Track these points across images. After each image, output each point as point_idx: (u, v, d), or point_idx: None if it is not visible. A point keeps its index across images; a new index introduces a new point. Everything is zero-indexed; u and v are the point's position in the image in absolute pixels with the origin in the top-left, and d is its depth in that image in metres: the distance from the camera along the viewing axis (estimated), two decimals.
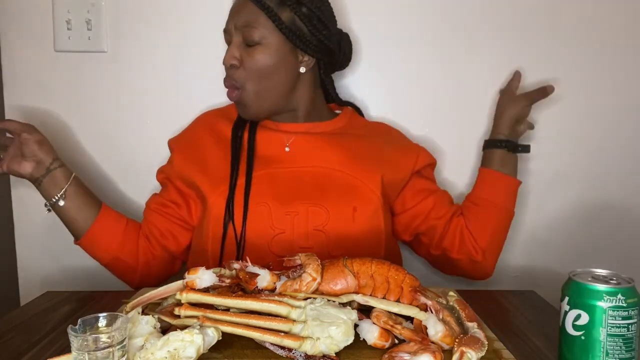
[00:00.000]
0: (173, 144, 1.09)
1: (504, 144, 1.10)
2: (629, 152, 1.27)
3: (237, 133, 1.05)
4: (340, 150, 1.03)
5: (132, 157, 1.25)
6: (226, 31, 1.00)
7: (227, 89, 1.00)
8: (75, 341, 0.55)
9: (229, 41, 1.00)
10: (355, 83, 1.26)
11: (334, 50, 1.05)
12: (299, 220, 0.95)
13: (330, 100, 1.14)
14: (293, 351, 0.63)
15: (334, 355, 0.63)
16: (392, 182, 1.03)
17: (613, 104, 1.26)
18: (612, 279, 0.63)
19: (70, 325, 0.57)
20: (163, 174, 1.07)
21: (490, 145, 1.12)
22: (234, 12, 1.00)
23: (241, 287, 0.72)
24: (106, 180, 1.26)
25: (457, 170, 1.26)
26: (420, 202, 1.06)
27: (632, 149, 1.27)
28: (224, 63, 0.98)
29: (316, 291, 0.70)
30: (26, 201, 1.26)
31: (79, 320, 0.58)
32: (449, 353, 0.63)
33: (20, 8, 1.22)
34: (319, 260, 0.72)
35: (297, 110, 1.05)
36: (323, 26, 1.02)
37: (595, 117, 1.26)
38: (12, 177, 1.26)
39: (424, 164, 1.08)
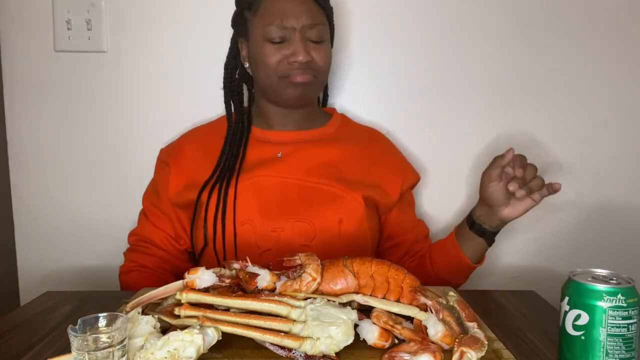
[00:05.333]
0: (167, 159, 1.08)
1: (476, 230, 0.95)
2: (629, 152, 1.27)
3: (228, 146, 1.05)
4: (328, 165, 1.03)
5: (131, 156, 1.25)
6: (284, 27, 0.97)
7: (295, 75, 0.98)
8: (75, 341, 0.55)
9: (283, 37, 0.98)
10: (350, 87, 1.26)
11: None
12: (285, 236, 0.96)
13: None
14: (293, 351, 0.63)
15: (334, 355, 0.63)
16: (379, 203, 1.04)
17: (613, 104, 1.26)
18: (612, 279, 0.63)
19: (70, 325, 0.56)
20: (155, 206, 1.08)
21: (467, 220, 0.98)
22: (298, 11, 0.98)
23: (241, 287, 0.72)
24: (105, 180, 1.26)
25: (455, 179, 1.27)
26: (401, 233, 1.08)
27: (633, 149, 1.27)
28: (297, 60, 0.97)
29: (316, 291, 0.70)
30: (26, 201, 1.27)
31: (79, 320, 0.58)
32: (449, 353, 0.63)
33: (20, 8, 1.22)
34: (319, 260, 0.72)
35: (301, 110, 1.06)
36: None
37: (595, 116, 1.26)
38: (12, 177, 1.26)
39: (409, 184, 1.09)
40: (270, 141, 1.05)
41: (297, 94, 1.01)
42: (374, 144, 1.10)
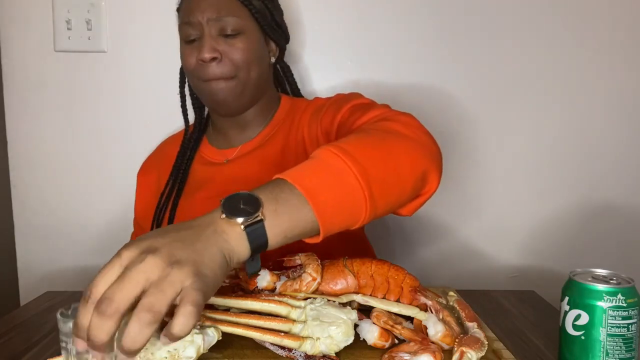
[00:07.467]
0: (138, 174, 1.11)
1: None
2: (629, 152, 1.27)
3: (175, 172, 1.03)
4: (270, 173, 0.96)
5: (131, 156, 1.25)
6: (191, 24, 0.91)
7: (210, 80, 0.92)
8: (64, 327, 0.52)
9: (196, 35, 0.92)
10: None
11: (289, 37, 1.05)
12: None
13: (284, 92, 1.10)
14: (293, 351, 0.63)
15: (334, 355, 0.63)
16: None
17: (613, 104, 1.26)
18: (612, 279, 0.63)
19: (60, 310, 0.53)
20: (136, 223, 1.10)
21: None
22: (204, 5, 0.91)
23: (241, 287, 0.72)
24: (105, 180, 1.26)
25: (452, 179, 1.27)
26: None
27: (632, 149, 1.27)
28: (202, 58, 0.90)
29: (316, 291, 0.70)
30: (26, 201, 1.27)
31: (72, 305, 0.53)
32: (449, 353, 0.63)
33: (20, 8, 1.22)
34: (319, 260, 0.72)
35: (253, 109, 0.99)
36: (280, 12, 1.02)
37: (595, 116, 1.26)
38: (12, 177, 1.26)
39: (320, 103, 0.97)
40: (218, 162, 1.01)
41: (217, 102, 0.94)
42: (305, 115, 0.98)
